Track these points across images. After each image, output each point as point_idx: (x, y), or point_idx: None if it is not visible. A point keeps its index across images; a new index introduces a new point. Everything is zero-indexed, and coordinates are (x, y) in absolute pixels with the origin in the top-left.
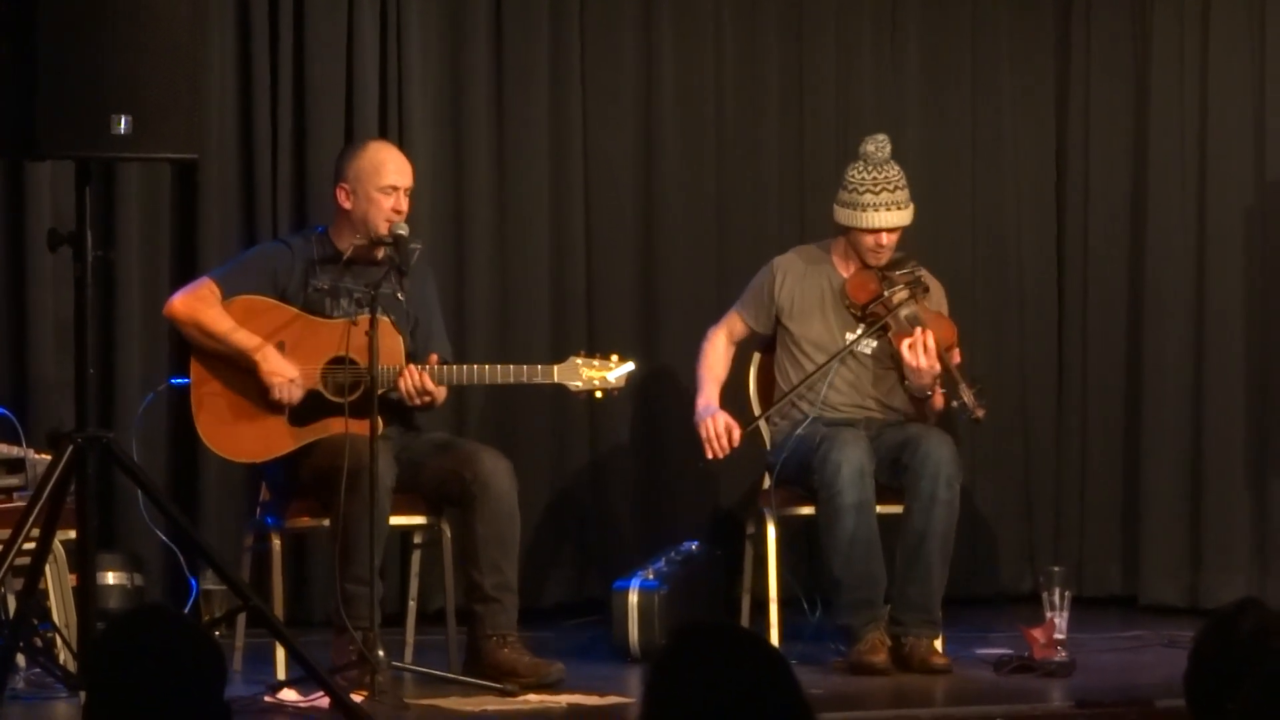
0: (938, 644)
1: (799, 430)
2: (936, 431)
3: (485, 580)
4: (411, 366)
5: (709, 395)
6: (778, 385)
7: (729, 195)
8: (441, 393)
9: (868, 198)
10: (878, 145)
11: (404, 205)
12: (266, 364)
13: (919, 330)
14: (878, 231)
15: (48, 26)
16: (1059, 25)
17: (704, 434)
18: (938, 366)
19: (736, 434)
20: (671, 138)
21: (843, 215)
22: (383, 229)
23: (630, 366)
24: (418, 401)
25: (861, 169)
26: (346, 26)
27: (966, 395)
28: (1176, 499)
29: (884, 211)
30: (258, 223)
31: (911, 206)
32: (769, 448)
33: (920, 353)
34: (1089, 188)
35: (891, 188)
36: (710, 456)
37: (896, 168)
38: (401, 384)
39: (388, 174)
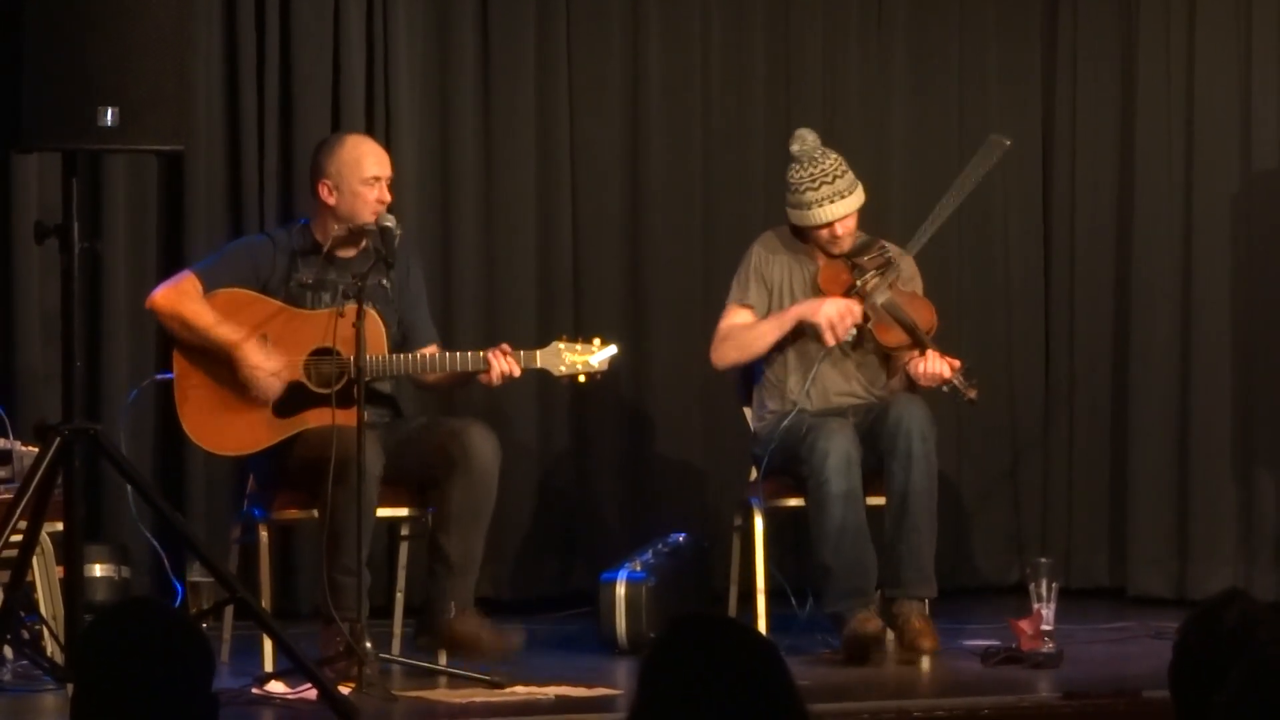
0: (927, 618)
1: (785, 421)
2: (906, 394)
3: (453, 549)
4: (499, 355)
5: (794, 307)
6: (765, 372)
7: (715, 184)
8: (518, 370)
9: (809, 195)
10: (801, 141)
11: (387, 196)
12: (247, 360)
13: (928, 355)
14: (830, 225)
15: (34, 18)
16: (1045, 14)
17: (824, 321)
18: (946, 372)
19: (858, 309)
20: (658, 127)
21: (794, 217)
22: (369, 220)
23: (613, 350)
24: (500, 383)
25: (797, 169)
26: (333, 17)
27: (956, 378)
28: (1163, 490)
29: (828, 205)
30: (244, 214)
31: (859, 188)
32: (753, 441)
33: (932, 371)
34: (1075, 178)
35: (830, 178)
36: (833, 342)
37: (832, 156)
38: (494, 374)
39: (369, 165)
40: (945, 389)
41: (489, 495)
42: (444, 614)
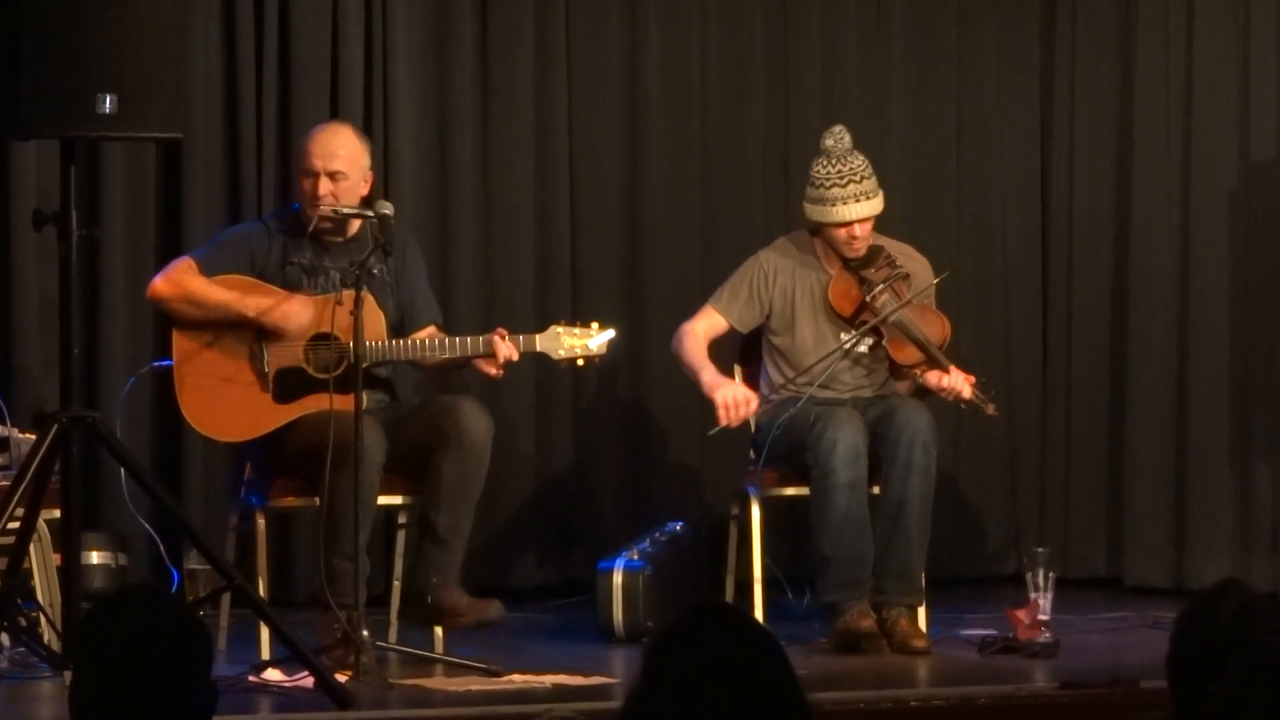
0: (920, 616)
1: (792, 409)
2: (913, 401)
3: (440, 520)
4: (497, 340)
5: (712, 370)
6: (768, 378)
7: (713, 174)
8: (516, 354)
9: (835, 191)
10: (836, 138)
11: (325, 189)
12: (274, 305)
13: (952, 373)
14: (849, 224)
15: (33, 5)
16: (1044, 7)
17: (720, 401)
18: (966, 392)
19: (754, 403)
20: (656, 116)
21: (814, 212)
22: (310, 213)
23: (611, 334)
24: (497, 371)
25: (825, 163)
26: (332, 4)
27: (975, 394)
28: (1161, 480)
29: (853, 204)
30: (242, 201)
31: (880, 194)
32: (754, 430)
33: (951, 388)
34: (1074, 169)
35: (858, 178)
36: (724, 424)
37: (860, 157)
38: (492, 365)
39: (306, 156)
40: (963, 405)
41: (480, 470)
42: (425, 584)
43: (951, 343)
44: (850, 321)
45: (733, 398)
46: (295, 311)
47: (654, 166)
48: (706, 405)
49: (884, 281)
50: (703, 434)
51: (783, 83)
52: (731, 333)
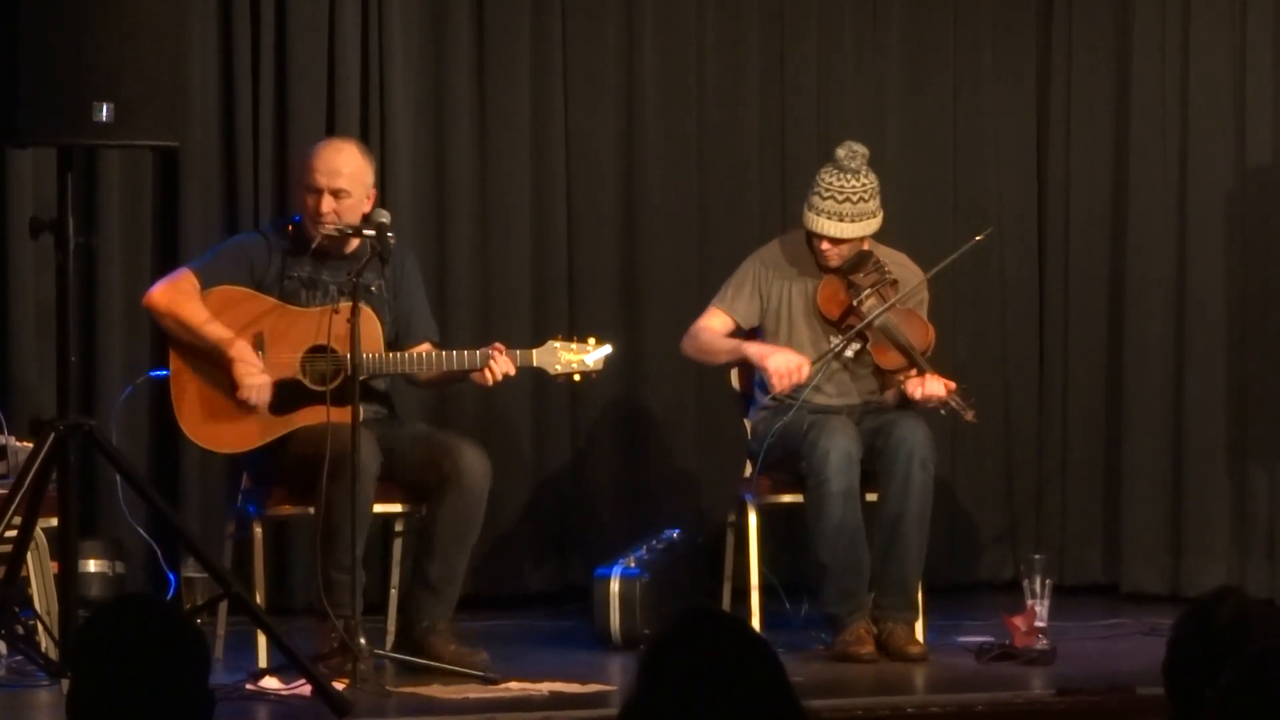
0: (917, 628)
1: (786, 417)
2: (910, 415)
3: (432, 568)
4: (497, 355)
5: (754, 342)
6: (762, 384)
7: (710, 182)
8: (513, 369)
9: (815, 200)
10: (849, 153)
11: (328, 206)
12: (238, 363)
13: (925, 378)
14: (821, 238)
15: (30, 13)
16: (1041, 11)
17: (774, 369)
18: (942, 392)
19: (806, 368)
20: (653, 124)
21: (804, 213)
22: (313, 230)
23: (608, 349)
24: (493, 383)
25: (829, 172)
26: (328, 12)
27: (954, 400)
28: (1157, 486)
29: (824, 219)
30: (239, 209)
31: (868, 221)
32: (750, 437)
33: (929, 394)
34: (1070, 174)
35: (841, 198)
36: (779, 391)
37: (864, 179)
38: (489, 376)
39: (309, 172)
40: (943, 411)
41: (476, 517)
42: (418, 626)
43: (945, 349)
44: (836, 325)
45: (785, 365)
46: (250, 384)
47: (651, 173)
48: (704, 411)
49: (871, 286)
50: (700, 441)
51: (779, 89)
52: (736, 333)
